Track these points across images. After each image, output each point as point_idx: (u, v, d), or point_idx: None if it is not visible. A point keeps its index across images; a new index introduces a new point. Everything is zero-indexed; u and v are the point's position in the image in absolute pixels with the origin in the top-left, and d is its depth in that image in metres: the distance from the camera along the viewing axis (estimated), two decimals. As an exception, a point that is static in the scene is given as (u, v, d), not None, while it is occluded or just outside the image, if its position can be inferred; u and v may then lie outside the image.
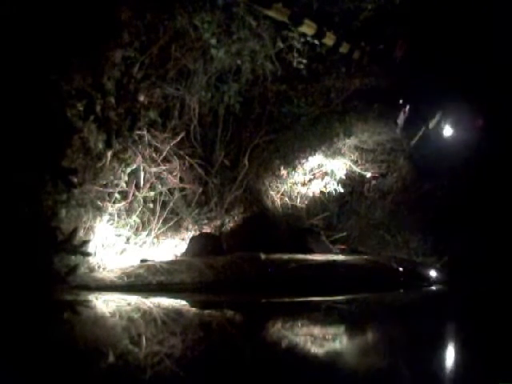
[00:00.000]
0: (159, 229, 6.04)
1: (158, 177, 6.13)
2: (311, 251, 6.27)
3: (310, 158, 7.29)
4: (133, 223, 5.82)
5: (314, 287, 5.22)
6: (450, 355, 3.24)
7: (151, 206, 6.00)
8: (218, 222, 6.62)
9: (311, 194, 7.39)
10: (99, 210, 5.43)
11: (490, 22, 6.87)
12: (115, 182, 5.65)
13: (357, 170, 7.53)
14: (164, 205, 6.12)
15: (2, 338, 3.13)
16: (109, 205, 5.58)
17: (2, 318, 3.62)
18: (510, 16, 6.63)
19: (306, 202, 7.40)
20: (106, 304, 4.71)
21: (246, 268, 5.32)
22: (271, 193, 7.25)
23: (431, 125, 7.34)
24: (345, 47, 6.77)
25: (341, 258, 6.06)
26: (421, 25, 6.92)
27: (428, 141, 7.32)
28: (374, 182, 7.73)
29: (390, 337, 3.88)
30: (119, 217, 5.71)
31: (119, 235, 5.67)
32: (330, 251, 6.56)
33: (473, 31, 6.87)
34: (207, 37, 5.97)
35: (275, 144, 7.22)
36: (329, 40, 6.59)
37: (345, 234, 7.34)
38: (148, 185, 6.00)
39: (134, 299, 4.74)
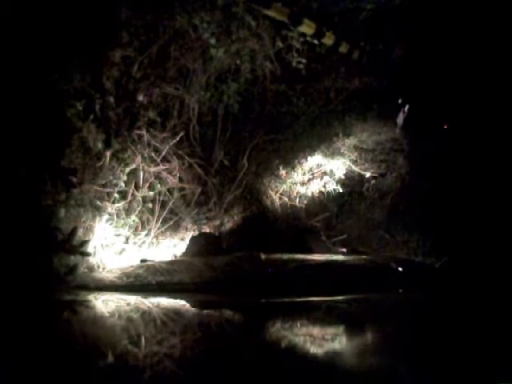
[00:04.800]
0: (158, 228, 6.04)
1: (158, 176, 6.13)
2: (311, 251, 6.26)
3: (310, 158, 7.27)
4: (132, 223, 5.82)
5: (314, 287, 5.21)
6: (449, 355, 3.23)
7: (150, 205, 6.00)
8: (218, 222, 6.62)
9: (310, 194, 7.37)
10: (98, 210, 5.43)
11: (490, 21, 6.88)
12: (114, 181, 5.65)
13: (356, 169, 7.52)
14: (163, 204, 6.11)
15: (1, 338, 3.13)
16: (108, 204, 5.57)
17: (1, 317, 3.61)
18: (509, 16, 6.64)
19: (306, 202, 7.38)
20: (105, 304, 4.70)
21: (246, 268, 5.31)
22: (270, 192, 7.24)
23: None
24: (344, 47, 6.77)
25: (340, 258, 6.05)
26: (420, 25, 6.93)
27: None
28: (373, 181, 7.72)
29: (389, 337, 3.87)
30: (118, 217, 5.70)
31: (118, 235, 5.66)
32: (329, 251, 6.54)
33: (472, 31, 6.88)
34: (206, 36, 5.97)
35: (274, 144, 7.22)
36: (328, 40, 6.59)
37: (345, 236, 7.32)
38: (147, 184, 5.99)
39: (134, 299, 4.74)
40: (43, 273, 4.64)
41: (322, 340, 3.67)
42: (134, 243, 5.83)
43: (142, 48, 5.77)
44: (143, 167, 5.93)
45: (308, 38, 6.48)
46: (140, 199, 5.90)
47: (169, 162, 6.23)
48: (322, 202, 7.49)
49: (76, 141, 5.14)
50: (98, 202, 5.45)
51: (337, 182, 7.31)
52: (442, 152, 7.43)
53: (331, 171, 7.33)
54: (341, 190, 7.37)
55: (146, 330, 3.70)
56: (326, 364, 3.05)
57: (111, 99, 5.43)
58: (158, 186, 6.10)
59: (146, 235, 5.94)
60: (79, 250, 4.96)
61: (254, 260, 5.46)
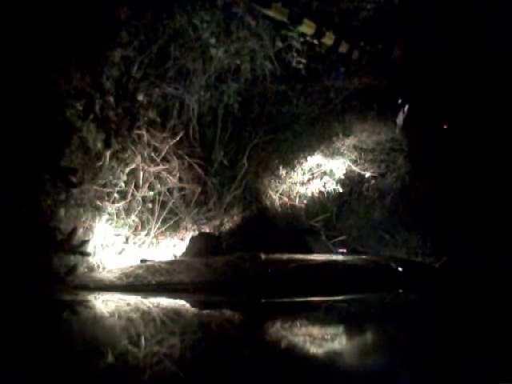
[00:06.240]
0: (158, 228, 6.04)
1: (157, 176, 6.13)
2: (311, 251, 6.26)
3: (309, 158, 7.28)
4: (132, 223, 5.82)
5: (314, 287, 5.21)
6: (449, 355, 3.23)
7: (150, 205, 6.00)
8: (217, 222, 6.62)
9: (310, 194, 7.37)
10: (98, 210, 5.43)
11: (488, 21, 6.89)
12: (114, 181, 5.65)
13: (356, 169, 7.52)
14: (163, 204, 6.12)
15: (0, 338, 3.12)
16: (108, 204, 5.58)
17: (1, 317, 3.61)
18: (507, 16, 6.65)
19: (305, 202, 7.39)
20: (105, 304, 4.70)
21: (246, 268, 5.31)
22: (270, 192, 7.24)
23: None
24: (344, 47, 6.78)
25: (340, 258, 6.04)
26: (420, 25, 6.93)
27: None
28: (373, 181, 7.72)
29: (389, 337, 3.87)
30: (118, 216, 5.71)
31: (118, 235, 5.67)
32: (329, 251, 6.54)
33: (472, 31, 6.88)
34: (206, 36, 5.97)
35: (274, 144, 7.22)
36: (328, 40, 6.60)
37: (345, 236, 7.32)
38: (147, 184, 6.00)
39: (134, 299, 4.73)
40: (43, 273, 4.64)
41: (322, 340, 3.66)
42: (134, 243, 5.83)
43: (142, 48, 5.77)
44: (143, 167, 5.93)
45: (308, 38, 6.49)
46: (140, 199, 5.90)
47: (169, 161, 6.24)
48: (321, 202, 7.49)
49: (76, 141, 5.13)
50: (98, 202, 5.45)
51: (337, 182, 7.32)
52: (442, 152, 7.44)
53: (331, 171, 7.33)
54: (341, 190, 7.38)
55: (146, 330, 3.69)
56: (325, 364, 3.04)
57: (111, 99, 5.42)
58: (158, 185, 6.10)
59: (146, 235, 5.94)
60: (79, 249, 4.95)
61: (254, 260, 5.45)
